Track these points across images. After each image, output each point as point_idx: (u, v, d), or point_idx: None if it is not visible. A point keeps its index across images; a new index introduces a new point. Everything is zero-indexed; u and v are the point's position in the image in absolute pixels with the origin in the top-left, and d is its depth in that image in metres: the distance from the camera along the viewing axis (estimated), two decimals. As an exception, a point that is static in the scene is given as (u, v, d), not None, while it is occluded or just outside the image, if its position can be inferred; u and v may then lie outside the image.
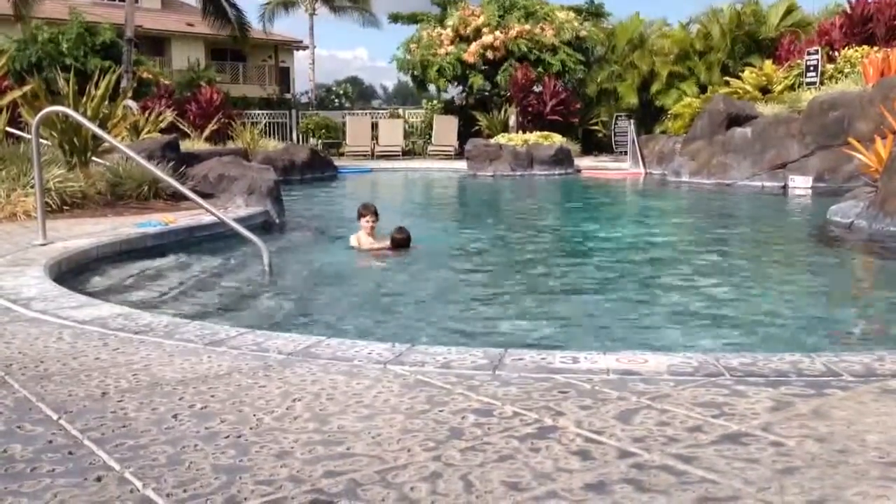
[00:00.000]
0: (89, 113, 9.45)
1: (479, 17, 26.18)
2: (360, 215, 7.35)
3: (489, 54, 25.43)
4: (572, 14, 26.95)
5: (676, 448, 2.02)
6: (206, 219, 7.18)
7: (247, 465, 1.95)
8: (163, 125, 16.48)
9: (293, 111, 28.64)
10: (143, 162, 6.87)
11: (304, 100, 37.39)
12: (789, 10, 24.08)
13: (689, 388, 2.48)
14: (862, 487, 1.79)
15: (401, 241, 7.22)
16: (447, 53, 25.73)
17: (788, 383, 2.52)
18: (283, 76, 38.01)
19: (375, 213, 7.32)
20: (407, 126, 27.02)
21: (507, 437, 2.11)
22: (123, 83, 19.40)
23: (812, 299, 5.49)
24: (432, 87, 27.85)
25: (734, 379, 2.56)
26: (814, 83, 16.27)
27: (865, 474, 1.85)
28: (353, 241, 7.34)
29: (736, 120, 15.27)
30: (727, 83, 19.17)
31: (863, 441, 2.05)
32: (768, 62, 18.87)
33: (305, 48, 39.01)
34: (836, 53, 17.05)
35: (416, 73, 27.04)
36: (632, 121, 20.66)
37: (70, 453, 2.04)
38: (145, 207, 8.52)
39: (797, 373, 2.62)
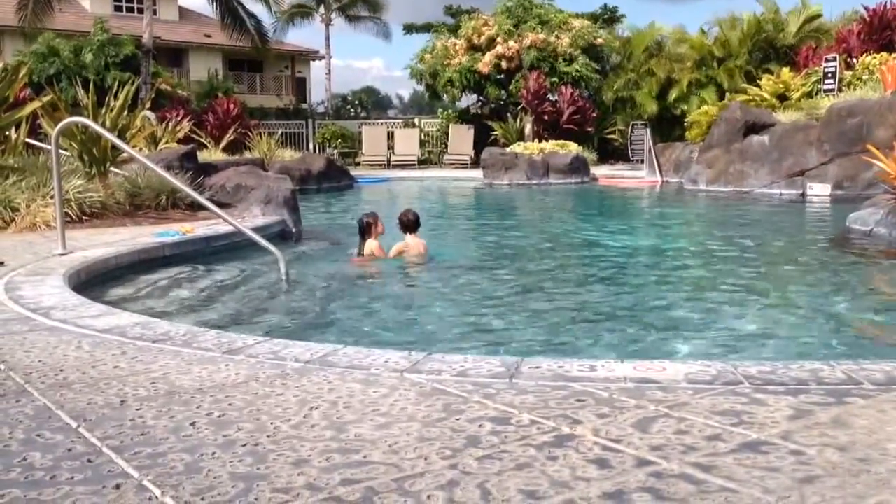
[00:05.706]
0: (108, 124, 9.53)
1: (492, 26, 26.20)
2: (369, 225, 7.21)
3: (503, 64, 25.43)
4: (587, 22, 26.91)
5: (695, 457, 2.00)
6: (224, 228, 7.22)
7: (264, 473, 1.95)
8: (180, 135, 16.60)
9: (309, 121, 28.79)
10: (162, 172, 6.92)
11: (320, 109, 37.61)
12: (809, 18, 23.96)
13: (708, 397, 2.46)
14: (884, 496, 1.76)
15: (407, 223, 7.20)
16: (460, 63, 25.76)
17: (808, 392, 2.49)
18: (300, 86, 38.21)
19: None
20: (422, 135, 27.09)
21: (524, 446, 2.10)
22: (142, 94, 19.58)
23: (832, 307, 5.44)
24: (445, 97, 27.90)
25: (753, 387, 2.54)
26: (832, 90, 16.17)
27: (887, 483, 1.83)
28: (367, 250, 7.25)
29: (753, 127, 15.18)
30: (744, 90, 19.08)
31: (884, 450, 2.02)
32: (785, 69, 18.77)
33: (322, 58, 39.22)
34: (854, 60, 16.94)
35: (428, 82, 27.11)
36: (647, 129, 20.61)
37: (89, 461, 2.05)
38: (163, 217, 8.57)
39: (817, 381, 2.59)
